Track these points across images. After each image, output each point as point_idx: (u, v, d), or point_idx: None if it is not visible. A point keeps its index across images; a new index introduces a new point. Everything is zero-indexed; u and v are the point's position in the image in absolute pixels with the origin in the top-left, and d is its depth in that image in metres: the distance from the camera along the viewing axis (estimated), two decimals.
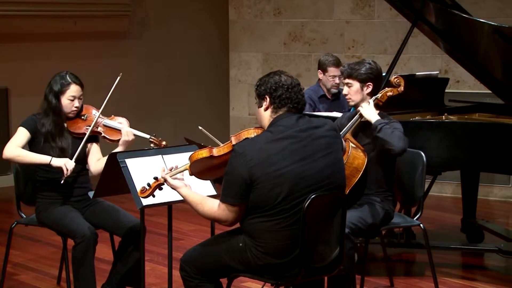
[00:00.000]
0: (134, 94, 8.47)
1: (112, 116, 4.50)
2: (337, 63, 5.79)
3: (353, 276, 4.24)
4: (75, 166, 4.30)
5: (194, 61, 9.10)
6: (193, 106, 8.91)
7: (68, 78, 4.36)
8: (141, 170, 3.87)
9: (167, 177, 3.54)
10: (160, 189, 3.62)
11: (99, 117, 4.40)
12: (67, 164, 4.25)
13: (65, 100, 4.36)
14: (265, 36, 8.46)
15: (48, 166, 4.28)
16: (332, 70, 5.74)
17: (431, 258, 4.59)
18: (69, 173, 4.25)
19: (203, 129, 4.28)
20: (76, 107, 4.38)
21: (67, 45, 7.97)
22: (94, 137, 4.46)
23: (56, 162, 4.26)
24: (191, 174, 3.54)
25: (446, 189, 7.47)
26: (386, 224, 4.47)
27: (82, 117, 4.44)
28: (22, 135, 4.34)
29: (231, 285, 3.57)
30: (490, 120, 5.40)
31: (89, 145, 4.47)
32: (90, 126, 4.38)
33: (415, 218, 4.60)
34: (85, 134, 4.37)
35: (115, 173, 3.90)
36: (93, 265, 4.25)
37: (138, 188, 3.65)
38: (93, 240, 4.21)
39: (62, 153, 4.34)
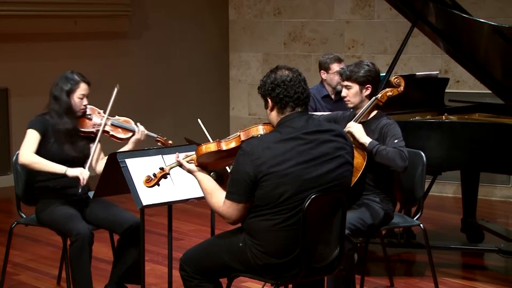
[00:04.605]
0: (134, 94, 8.47)
1: (116, 116, 4.54)
2: (338, 59, 5.79)
3: (353, 276, 4.24)
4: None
5: (194, 61, 9.10)
6: (193, 106, 8.91)
7: (76, 77, 4.43)
8: (141, 170, 3.86)
9: (183, 161, 3.54)
10: (165, 177, 3.62)
11: (107, 117, 4.45)
12: (83, 173, 4.30)
13: (75, 99, 4.41)
14: (265, 36, 8.46)
15: (63, 175, 4.30)
16: (335, 67, 5.73)
17: (431, 258, 4.59)
18: (85, 182, 4.29)
19: (201, 123, 4.32)
20: (84, 105, 4.44)
21: (67, 45, 7.98)
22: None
23: (72, 172, 4.30)
24: (197, 165, 3.54)
25: (447, 189, 7.47)
26: (386, 224, 4.47)
27: (88, 116, 4.49)
28: (33, 138, 4.35)
29: (231, 285, 3.57)
30: (490, 120, 5.40)
31: (92, 145, 4.50)
32: (97, 124, 4.44)
33: (415, 218, 4.60)
34: (92, 132, 4.45)
35: (115, 173, 3.90)
36: (89, 264, 4.24)
37: (143, 178, 3.64)
38: (88, 239, 4.20)
39: (72, 153, 4.37)
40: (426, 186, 5.38)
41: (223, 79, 9.01)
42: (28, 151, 4.32)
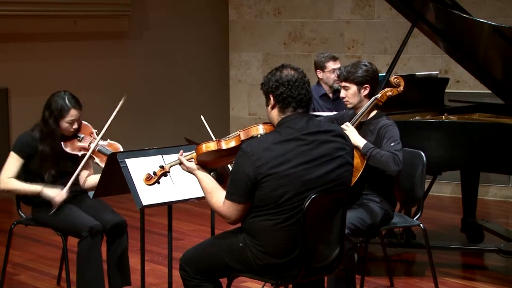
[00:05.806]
0: (134, 94, 8.46)
1: (108, 140, 4.48)
2: (333, 57, 5.81)
3: (353, 276, 4.24)
4: (69, 167, 4.39)
5: (194, 61, 9.09)
6: (193, 106, 8.90)
7: (68, 102, 4.36)
8: (141, 170, 3.86)
9: (183, 159, 3.54)
10: (165, 175, 3.62)
11: (97, 143, 4.39)
12: (57, 197, 4.29)
13: (64, 124, 4.37)
14: (265, 36, 8.46)
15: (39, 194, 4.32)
16: (330, 65, 5.74)
17: (431, 258, 4.59)
18: (57, 205, 4.29)
19: (204, 120, 4.32)
20: (74, 129, 4.40)
21: (67, 45, 7.97)
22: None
23: (47, 192, 4.30)
24: (196, 164, 3.54)
25: (444, 189, 7.47)
26: (386, 224, 4.47)
27: (78, 137, 4.44)
28: (14, 162, 4.37)
29: (231, 285, 3.57)
30: (490, 120, 5.40)
31: (77, 165, 4.47)
32: (85, 148, 4.40)
33: (415, 218, 4.60)
34: (78, 155, 4.40)
35: (115, 173, 3.91)
36: (101, 259, 4.24)
37: (143, 176, 3.64)
38: (101, 233, 4.22)
39: (56, 174, 4.37)
40: (426, 186, 5.38)
41: (223, 79, 9.01)
42: (5, 178, 4.34)
